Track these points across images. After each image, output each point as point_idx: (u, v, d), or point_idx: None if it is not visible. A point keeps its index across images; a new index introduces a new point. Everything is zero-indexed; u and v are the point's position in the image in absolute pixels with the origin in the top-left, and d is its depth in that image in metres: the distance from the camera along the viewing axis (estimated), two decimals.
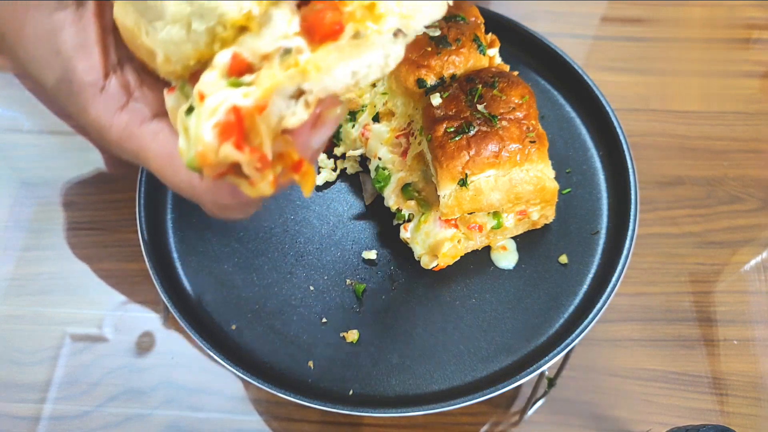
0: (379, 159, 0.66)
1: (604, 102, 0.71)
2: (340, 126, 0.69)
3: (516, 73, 0.65)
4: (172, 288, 0.60)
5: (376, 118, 0.66)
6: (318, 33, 0.31)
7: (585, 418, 0.65)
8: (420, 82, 0.62)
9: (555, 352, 0.57)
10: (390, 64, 0.33)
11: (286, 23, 0.31)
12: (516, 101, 0.61)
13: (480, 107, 0.60)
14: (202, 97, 0.32)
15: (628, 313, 0.71)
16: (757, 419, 0.66)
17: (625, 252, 0.62)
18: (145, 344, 0.68)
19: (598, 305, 0.59)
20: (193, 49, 0.33)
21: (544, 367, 0.56)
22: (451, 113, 0.60)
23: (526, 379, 0.56)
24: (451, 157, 0.58)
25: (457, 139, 0.58)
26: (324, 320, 0.62)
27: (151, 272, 0.60)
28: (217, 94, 0.31)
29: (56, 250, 0.73)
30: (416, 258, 0.63)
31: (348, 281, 0.64)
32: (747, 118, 0.85)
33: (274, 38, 0.31)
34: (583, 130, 0.73)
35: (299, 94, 0.31)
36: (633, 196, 0.65)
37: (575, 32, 0.94)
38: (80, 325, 0.69)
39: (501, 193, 0.60)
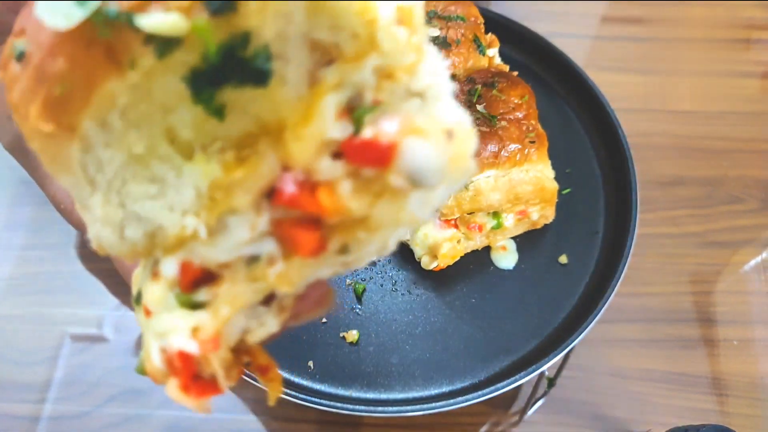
0: None
1: (604, 102, 0.71)
2: None
3: (515, 73, 0.65)
4: None
5: None
6: (293, 249, 0.24)
7: (585, 418, 0.65)
8: None
9: (555, 352, 0.57)
10: (383, 253, 0.26)
11: (247, 228, 0.24)
12: (515, 101, 0.61)
13: (479, 107, 0.60)
14: (148, 313, 0.26)
15: (628, 313, 0.71)
16: (756, 419, 0.66)
17: (625, 252, 0.62)
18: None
19: (598, 305, 0.59)
20: (130, 250, 0.26)
21: (544, 367, 0.56)
22: None
23: (526, 379, 0.56)
24: None
25: None
26: (324, 320, 0.62)
27: None
28: (164, 318, 0.25)
29: (55, 250, 0.73)
30: (417, 259, 0.63)
31: (348, 281, 0.64)
32: (747, 118, 0.85)
33: (234, 246, 0.24)
34: (583, 130, 0.72)
35: (270, 297, 0.26)
36: (633, 196, 0.65)
37: (575, 32, 0.94)
38: (80, 325, 0.69)
39: (501, 193, 0.60)
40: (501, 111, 0.60)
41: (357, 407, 0.55)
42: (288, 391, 0.55)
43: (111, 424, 0.64)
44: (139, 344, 0.68)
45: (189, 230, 0.24)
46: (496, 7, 0.78)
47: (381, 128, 0.23)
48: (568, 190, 0.68)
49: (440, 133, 0.23)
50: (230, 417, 0.64)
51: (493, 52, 0.67)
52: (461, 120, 0.23)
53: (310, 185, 0.23)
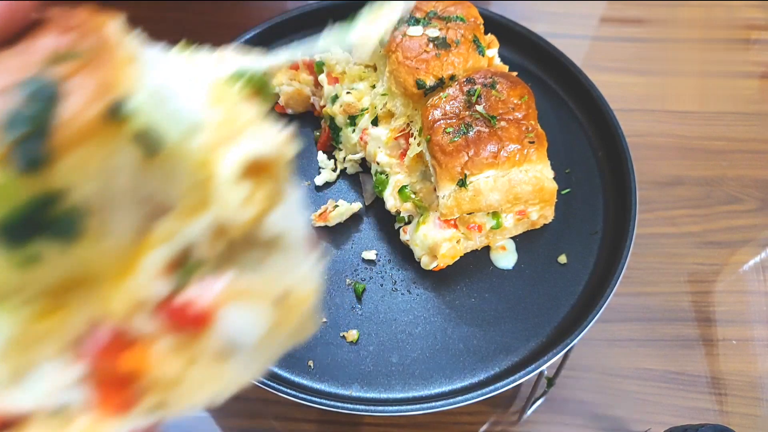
0: (378, 163, 0.66)
1: (603, 102, 0.71)
2: (341, 130, 0.69)
3: (515, 73, 0.65)
4: None
5: (375, 122, 0.66)
6: (106, 400, 0.23)
7: (584, 417, 0.65)
8: (419, 83, 0.62)
9: (554, 351, 0.57)
10: (211, 405, 0.24)
11: (57, 375, 0.22)
12: (515, 101, 0.61)
13: (479, 108, 0.60)
14: None
15: (627, 312, 0.71)
16: (755, 419, 0.66)
17: (624, 252, 0.62)
18: None
19: (597, 305, 0.59)
20: None
21: (544, 367, 0.56)
22: (450, 114, 0.60)
23: (526, 378, 0.56)
24: (450, 157, 0.58)
25: (456, 139, 0.58)
26: (324, 320, 0.62)
27: None
28: None
29: None
30: (416, 259, 0.64)
31: (348, 281, 0.64)
32: (746, 119, 0.85)
33: (42, 394, 0.22)
34: (583, 131, 0.73)
35: None
36: (632, 197, 0.65)
37: (575, 33, 0.94)
38: None
39: (500, 193, 0.60)
40: (500, 111, 0.60)
41: (357, 406, 0.55)
42: (288, 390, 0.55)
43: None
44: None
45: None
46: (496, 8, 0.78)
47: (201, 291, 0.22)
48: (567, 191, 0.68)
49: (268, 296, 0.22)
50: (230, 417, 0.64)
51: (493, 52, 0.67)
52: (305, 276, 0.22)
53: (124, 339, 0.22)
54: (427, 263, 0.62)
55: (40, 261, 0.21)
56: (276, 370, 0.59)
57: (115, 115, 0.20)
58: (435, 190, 0.61)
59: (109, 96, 0.20)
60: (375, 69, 0.68)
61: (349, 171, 0.71)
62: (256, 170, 0.22)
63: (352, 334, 0.61)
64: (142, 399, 0.22)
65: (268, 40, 0.76)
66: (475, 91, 0.61)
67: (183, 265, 0.22)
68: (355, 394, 0.58)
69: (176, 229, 0.22)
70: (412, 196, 0.64)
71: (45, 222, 0.20)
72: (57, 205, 0.20)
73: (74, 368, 0.22)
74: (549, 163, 0.62)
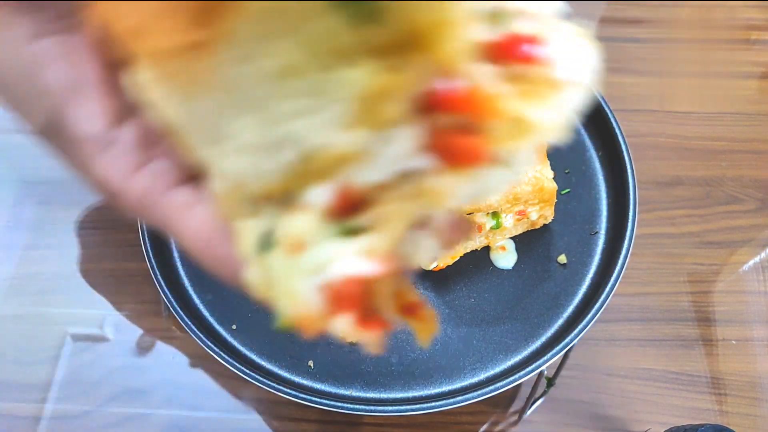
0: None
1: (603, 102, 0.71)
2: None
3: None
4: (172, 287, 0.61)
5: None
6: (450, 159, 0.23)
7: (584, 417, 0.65)
8: None
9: (554, 351, 0.57)
10: (521, 178, 0.26)
11: (403, 141, 0.23)
12: None
13: None
14: (294, 249, 0.23)
15: (627, 312, 0.71)
16: (755, 419, 0.66)
17: (623, 252, 0.62)
18: (145, 344, 0.68)
19: (597, 305, 0.59)
20: (266, 182, 0.24)
21: (543, 367, 0.56)
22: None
23: (526, 378, 0.56)
24: None
25: None
26: None
27: (151, 272, 0.60)
28: (321, 249, 0.23)
29: (56, 250, 0.73)
30: None
31: None
32: (745, 119, 0.85)
33: (391, 162, 0.22)
34: (582, 131, 0.73)
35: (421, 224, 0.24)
36: (632, 197, 0.65)
37: None
38: (81, 325, 0.69)
39: (499, 193, 0.60)
40: None
41: (357, 407, 0.55)
42: (288, 390, 0.55)
43: (111, 424, 0.64)
44: (140, 344, 0.68)
45: (346, 147, 0.21)
46: None
47: (523, 26, 0.22)
48: (567, 191, 0.69)
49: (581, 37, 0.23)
50: (230, 416, 0.64)
51: None
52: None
53: (463, 89, 0.21)
54: (425, 264, 0.62)
55: (381, 14, 0.20)
56: (276, 369, 0.59)
57: None
58: None
59: None
60: None
61: None
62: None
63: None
64: (486, 149, 0.22)
65: None
66: None
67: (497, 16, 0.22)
68: (355, 393, 0.58)
69: None
70: None
71: None
72: None
73: (419, 130, 0.22)
74: (549, 163, 0.62)
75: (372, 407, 0.55)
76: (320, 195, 0.22)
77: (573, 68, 0.23)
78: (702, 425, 0.55)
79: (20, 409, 0.64)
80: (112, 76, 0.28)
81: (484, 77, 0.22)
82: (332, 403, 0.55)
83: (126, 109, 0.29)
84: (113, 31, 0.22)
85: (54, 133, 0.30)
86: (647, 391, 0.67)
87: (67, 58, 0.28)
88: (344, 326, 0.23)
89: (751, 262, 0.76)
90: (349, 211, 0.23)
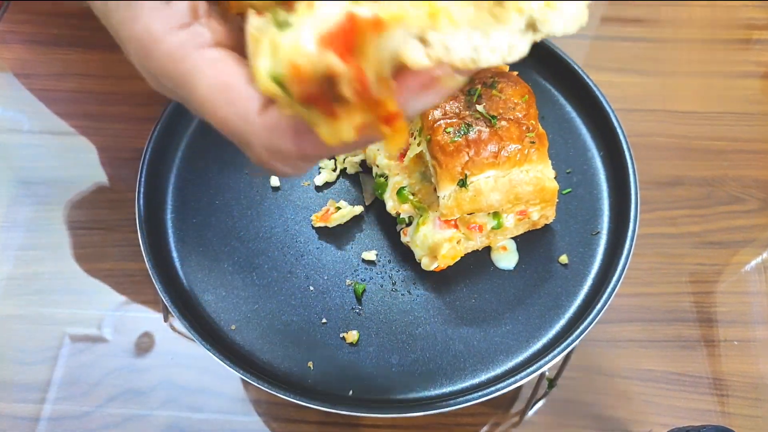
0: (377, 166, 0.66)
1: (604, 102, 0.71)
2: None
3: (515, 73, 0.65)
4: (171, 288, 0.60)
5: None
6: None
7: (585, 418, 0.65)
8: None
9: (555, 352, 0.57)
10: (512, 55, 0.30)
11: None
12: (515, 101, 0.61)
13: (479, 107, 0.60)
14: (311, 5, 0.27)
15: (629, 313, 0.71)
16: (757, 420, 0.66)
17: (625, 252, 0.62)
18: (144, 344, 0.67)
19: (599, 306, 0.59)
20: None
21: (545, 368, 0.56)
22: (450, 114, 0.60)
23: (527, 379, 0.56)
24: (450, 157, 0.58)
25: (456, 139, 0.58)
26: (324, 321, 0.61)
27: (150, 272, 0.60)
28: (334, 2, 0.26)
29: (56, 250, 0.73)
30: (417, 260, 0.63)
31: (348, 281, 0.64)
32: (747, 119, 0.85)
33: None
34: (584, 131, 0.72)
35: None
36: (633, 197, 0.65)
37: (575, 32, 0.94)
38: (80, 325, 0.69)
39: (500, 193, 0.59)
40: (501, 111, 0.60)
41: (357, 408, 0.55)
42: (287, 392, 0.55)
43: (111, 425, 0.63)
44: (139, 344, 0.68)
45: None
46: None
47: None
48: (568, 191, 0.68)
49: None
50: (230, 417, 0.64)
51: None
52: None
53: None
54: (427, 264, 0.62)
55: None
56: (275, 370, 0.59)
57: None
58: (435, 190, 0.61)
59: None
60: None
61: (349, 171, 0.70)
62: None
63: (352, 335, 0.60)
64: None
65: None
66: (476, 90, 0.61)
67: None
68: (355, 395, 0.58)
69: None
70: (411, 197, 0.64)
71: None
72: None
73: None
74: (550, 163, 0.62)
75: (371, 409, 0.55)
76: None
77: None
78: (704, 426, 0.55)
79: (19, 409, 0.64)
80: None
81: None
82: (331, 405, 0.54)
83: None
84: None
85: None
86: (649, 392, 0.67)
87: None
88: (332, 59, 0.26)
89: (752, 263, 0.75)
90: None
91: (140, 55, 0.35)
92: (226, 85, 0.33)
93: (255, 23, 0.31)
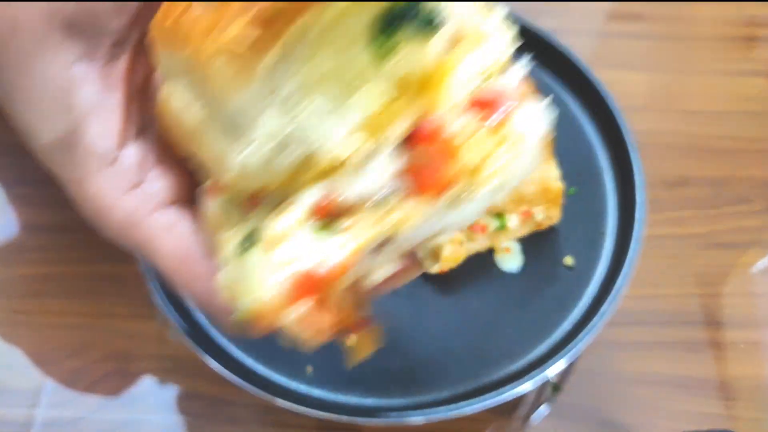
0: None
1: (610, 100, 0.70)
2: None
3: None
4: (168, 291, 0.59)
5: None
6: (423, 187, 0.28)
7: (590, 423, 0.64)
8: None
9: (560, 356, 0.56)
10: (475, 219, 0.31)
11: (387, 163, 0.28)
12: None
13: None
14: (274, 243, 0.28)
15: (634, 315, 0.70)
16: (764, 423, 0.65)
17: (631, 254, 0.61)
18: (140, 349, 0.66)
19: (604, 309, 0.58)
20: (268, 177, 0.28)
21: (549, 372, 0.55)
22: None
23: (531, 385, 0.55)
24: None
25: None
26: None
27: (146, 275, 0.59)
28: (294, 246, 0.27)
29: (51, 252, 0.72)
30: None
31: None
32: (755, 118, 0.84)
33: (373, 180, 0.28)
34: (589, 129, 0.72)
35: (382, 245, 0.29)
36: (640, 197, 0.64)
37: (580, 29, 0.93)
38: (74, 329, 0.68)
39: None
40: None
41: (356, 414, 0.54)
42: (285, 397, 0.54)
43: (105, 430, 0.63)
44: (133, 349, 0.67)
45: (343, 153, 0.27)
46: (500, 3, 0.76)
47: (503, 85, 0.29)
48: (573, 191, 0.68)
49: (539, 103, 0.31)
50: (226, 423, 0.63)
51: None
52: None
53: (442, 133, 0.28)
54: (429, 266, 0.61)
55: (396, 52, 0.26)
56: (273, 375, 0.58)
57: None
58: None
59: None
60: None
61: None
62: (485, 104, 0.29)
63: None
64: (450, 187, 0.28)
65: None
66: None
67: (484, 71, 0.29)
68: (354, 400, 0.57)
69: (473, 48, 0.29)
70: None
71: (412, 15, 0.26)
72: (422, 6, 0.26)
73: (400, 160, 0.28)
74: (554, 162, 0.61)
75: (371, 415, 0.55)
76: (310, 196, 0.28)
77: (529, 135, 0.29)
78: (710, 430, 0.54)
79: (11, 414, 0.63)
80: (132, 102, 0.33)
81: (462, 126, 0.28)
82: (330, 411, 0.54)
83: (134, 133, 0.33)
84: (181, 32, 0.27)
85: (62, 147, 0.33)
86: (655, 395, 0.66)
87: (102, 82, 0.32)
88: (296, 315, 0.27)
89: (760, 264, 0.75)
90: (328, 217, 0.28)
91: (94, 219, 0.34)
92: (184, 260, 0.33)
93: (210, 207, 0.31)
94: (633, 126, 0.69)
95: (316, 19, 0.25)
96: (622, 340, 0.68)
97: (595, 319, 0.58)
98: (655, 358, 0.68)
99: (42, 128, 0.33)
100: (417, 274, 0.34)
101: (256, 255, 0.28)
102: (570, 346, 0.56)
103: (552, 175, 0.60)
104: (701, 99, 0.86)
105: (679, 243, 0.75)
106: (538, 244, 0.65)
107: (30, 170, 0.78)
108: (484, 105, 0.29)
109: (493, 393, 0.55)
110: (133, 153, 0.33)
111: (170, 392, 0.65)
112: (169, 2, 0.28)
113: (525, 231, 0.65)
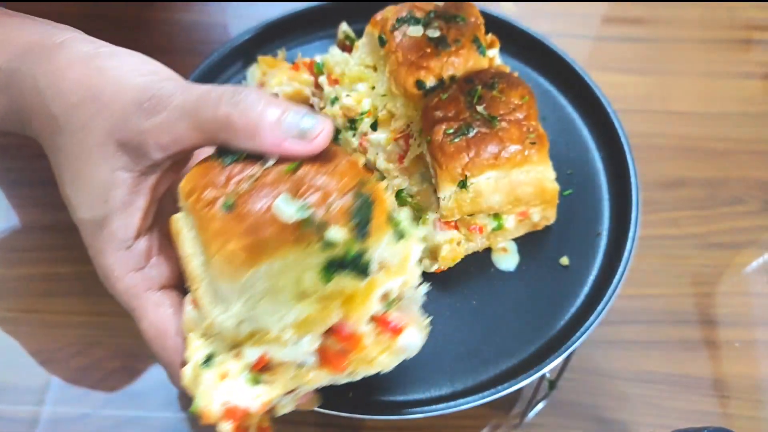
0: (377, 169, 0.66)
1: (605, 103, 0.71)
2: (340, 132, 0.68)
3: (516, 73, 0.65)
4: None
5: (375, 127, 0.66)
6: (329, 364, 0.42)
7: (586, 420, 0.65)
8: (419, 84, 0.62)
9: (556, 354, 0.56)
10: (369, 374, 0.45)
11: (309, 344, 0.41)
12: (516, 102, 0.61)
13: (479, 108, 0.60)
14: (223, 377, 0.41)
15: (629, 314, 0.71)
16: (759, 422, 0.66)
17: (626, 254, 0.61)
18: (143, 346, 0.67)
19: (600, 307, 0.59)
20: (233, 334, 0.41)
21: (545, 370, 0.56)
22: (450, 115, 0.60)
23: (528, 381, 0.55)
24: (450, 158, 0.58)
25: (456, 140, 0.58)
26: None
27: None
28: (236, 384, 0.41)
29: (54, 251, 0.73)
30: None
31: None
32: (749, 119, 0.85)
33: (297, 353, 0.41)
34: (585, 131, 0.72)
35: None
36: (634, 198, 0.65)
37: (576, 32, 0.93)
38: (78, 327, 0.68)
39: (501, 194, 0.59)
40: (501, 112, 0.60)
41: (357, 411, 0.55)
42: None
43: (109, 427, 0.63)
44: (137, 346, 0.67)
45: (283, 337, 0.40)
46: (497, 8, 0.77)
47: (397, 315, 0.44)
48: (569, 192, 0.68)
49: (421, 326, 0.46)
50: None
51: (494, 52, 0.67)
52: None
53: (352, 334, 0.42)
54: (427, 266, 0.62)
55: (334, 283, 0.39)
56: None
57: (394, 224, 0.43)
58: (435, 191, 0.61)
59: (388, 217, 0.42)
60: (375, 69, 0.68)
61: None
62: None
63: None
64: (347, 367, 0.43)
65: (263, 40, 0.76)
66: (476, 91, 0.60)
67: (388, 300, 0.43)
68: (354, 397, 0.57)
69: (390, 280, 0.43)
70: (409, 199, 0.63)
71: (352, 263, 0.39)
72: (363, 257, 0.39)
73: (316, 342, 0.42)
74: (551, 164, 0.62)
75: (371, 411, 0.55)
76: (251, 354, 0.41)
77: (409, 342, 0.44)
78: (705, 428, 0.55)
79: (17, 412, 0.64)
80: (152, 206, 0.45)
81: (366, 329, 0.42)
82: (331, 407, 0.54)
83: (146, 228, 0.45)
84: (196, 211, 0.41)
85: (94, 225, 0.44)
86: (650, 394, 0.66)
87: (133, 189, 0.43)
88: (226, 429, 0.41)
89: (755, 264, 0.75)
90: (261, 369, 0.42)
91: (102, 280, 0.46)
92: (161, 332, 0.44)
93: (188, 314, 0.43)
94: (628, 128, 0.69)
95: (283, 256, 0.38)
96: (617, 339, 0.69)
97: (591, 317, 0.58)
98: (650, 357, 0.68)
99: (82, 207, 0.44)
100: (315, 405, 0.48)
101: (210, 377, 0.41)
102: (566, 344, 0.57)
103: (548, 177, 0.61)
104: (696, 101, 0.86)
105: (674, 243, 0.75)
106: (534, 244, 0.65)
107: (33, 172, 0.79)
108: (382, 321, 0.43)
109: (491, 390, 0.55)
110: (143, 244, 0.45)
111: (175, 390, 0.65)
112: (199, 171, 0.42)
113: (522, 231, 0.65)
